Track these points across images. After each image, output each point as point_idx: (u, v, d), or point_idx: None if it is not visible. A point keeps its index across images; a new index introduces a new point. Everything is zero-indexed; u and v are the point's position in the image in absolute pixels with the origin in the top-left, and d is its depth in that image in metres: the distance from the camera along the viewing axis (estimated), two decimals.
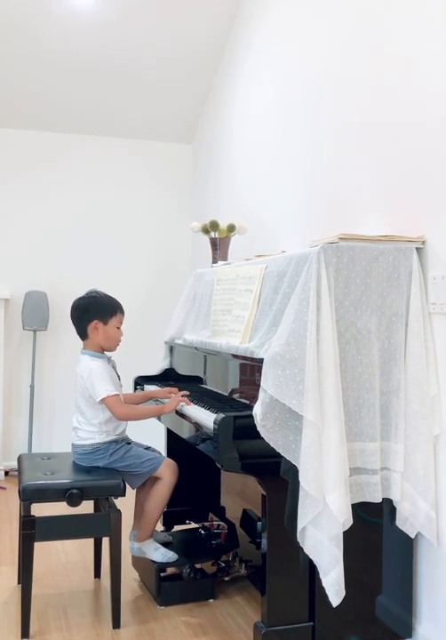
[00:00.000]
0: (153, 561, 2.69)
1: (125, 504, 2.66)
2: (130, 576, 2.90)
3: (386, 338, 2.21)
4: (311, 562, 2.09)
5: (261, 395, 2.05)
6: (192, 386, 2.94)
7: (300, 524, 2.04)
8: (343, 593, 2.04)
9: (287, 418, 2.04)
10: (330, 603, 2.05)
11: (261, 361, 2.10)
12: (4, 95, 4.44)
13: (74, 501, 2.48)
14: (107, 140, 4.89)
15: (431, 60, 2.26)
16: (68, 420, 2.83)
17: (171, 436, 3.13)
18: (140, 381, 3.26)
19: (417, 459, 2.17)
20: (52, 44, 4.14)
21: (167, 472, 2.68)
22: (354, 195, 2.75)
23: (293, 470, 2.05)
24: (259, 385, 2.06)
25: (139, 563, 2.87)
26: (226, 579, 2.76)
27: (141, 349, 4.30)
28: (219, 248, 3.57)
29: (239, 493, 2.96)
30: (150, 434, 3.31)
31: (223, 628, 2.49)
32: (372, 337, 2.17)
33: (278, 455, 2.04)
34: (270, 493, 2.14)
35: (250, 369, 2.31)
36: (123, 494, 2.56)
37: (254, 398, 2.12)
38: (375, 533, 2.27)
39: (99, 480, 2.56)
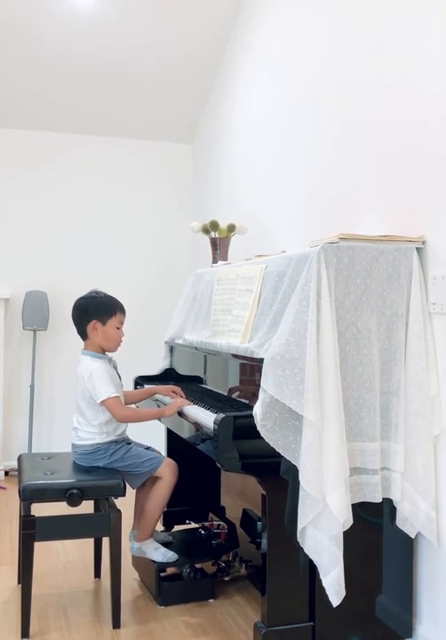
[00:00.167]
0: (153, 561, 2.69)
1: (125, 504, 2.66)
2: (130, 576, 2.89)
3: (387, 338, 2.21)
4: (311, 562, 2.08)
5: (261, 395, 2.05)
6: (192, 386, 2.94)
7: (300, 524, 2.04)
8: (343, 593, 2.04)
9: (287, 418, 2.04)
10: (330, 603, 2.05)
11: (261, 361, 2.10)
12: (4, 95, 4.44)
13: (74, 501, 2.48)
14: (107, 139, 4.89)
15: (431, 60, 2.26)
16: (68, 420, 2.83)
17: (171, 436, 3.13)
18: (140, 381, 3.26)
19: (417, 459, 2.17)
20: (52, 44, 4.14)
21: (167, 472, 2.68)
22: (354, 195, 2.75)
23: (293, 470, 2.05)
24: (259, 385, 2.06)
25: (139, 563, 2.87)
26: (227, 579, 2.76)
27: (141, 349, 4.30)
28: (219, 248, 3.57)
29: (239, 493, 2.96)
30: (150, 434, 3.31)
31: (223, 628, 2.49)
32: (372, 337, 2.17)
33: (278, 455, 2.04)
34: (270, 493, 2.14)
35: (251, 369, 2.31)
36: (123, 494, 2.55)
37: (254, 398, 2.12)
38: (375, 533, 2.27)
39: (99, 480, 2.56)
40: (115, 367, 2.77)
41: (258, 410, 2.03)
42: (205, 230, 3.60)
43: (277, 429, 2.03)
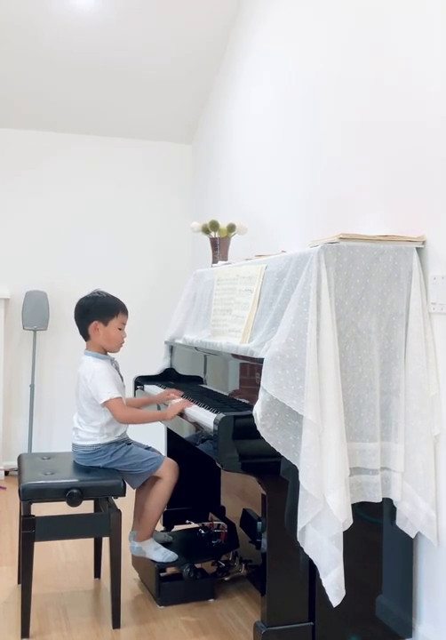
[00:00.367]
0: (153, 561, 2.69)
1: (125, 504, 2.65)
2: (130, 576, 2.89)
3: (387, 338, 2.21)
4: (311, 562, 2.08)
5: (261, 394, 2.05)
6: (192, 386, 2.94)
7: (300, 524, 2.04)
8: (343, 593, 2.04)
9: (287, 418, 2.04)
10: (330, 603, 2.05)
11: (261, 361, 2.10)
12: (4, 95, 4.44)
13: (74, 501, 2.48)
14: (107, 139, 4.89)
15: (431, 60, 2.26)
16: (68, 420, 2.83)
17: (172, 436, 3.13)
18: (141, 381, 3.26)
19: (417, 459, 2.17)
20: (52, 44, 4.14)
21: (168, 472, 2.68)
22: (354, 195, 2.75)
23: (293, 470, 2.05)
24: (259, 385, 2.06)
25: (139, 562, 2.87)
26: (227, 579, 2.76)
27: (141, 349, 4.29)
28: (219, 248, 3.57)
29: (239, 493, 2.96)
30: (150, 434, 3.31)
31: (223, 628, 2.49)
32: (372, 337, 2.17)
33: (278, 455, 2.04)
34: (270, 493, 2.14)
35: (251, 369, 2.31)
36: (123, 494, 2.55)
37: (254, 398, 2.12)
38: (375, 533, 2.27)
39: (99, 480, 2.56)
40: (117, 368, 2.77)
41: (258, 410, 2.03)
42: (205, 230, 3.60)
43: (277, 429, 2.03)
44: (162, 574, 2.67)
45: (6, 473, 4.55)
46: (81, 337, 2.77)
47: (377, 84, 2.59)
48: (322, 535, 2.03)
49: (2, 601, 2.71)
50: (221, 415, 2.09)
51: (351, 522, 2.06)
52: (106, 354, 2.74)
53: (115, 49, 4.24)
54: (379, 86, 2.57)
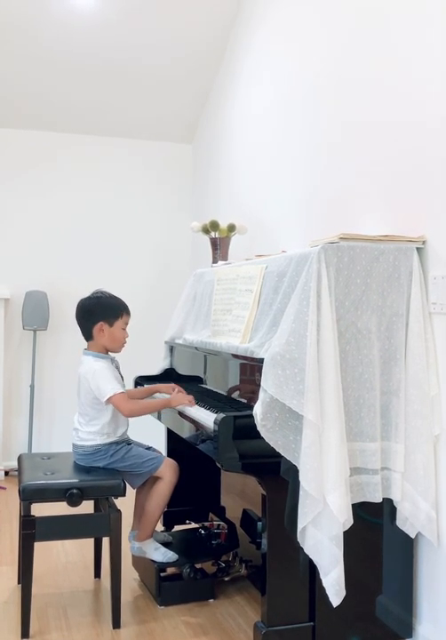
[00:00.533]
0: (153, 561, 2.69)
1: (125, 504, 2.65)
2: (130, 576, 2.89)
3: (387, 338, 2.21)
4: (311, 562, 2.08)
5: (261, 394, 2.05)
6: (192, 386, 2.94)
7: (300, 524, 2.04)
8: (343, 593, 2.04)
9: (287, 418, 2.04)
10: (330, 603, 2.05)
11: (261, 361, 2.10)
12: (4, 95, 4.44)
13: (74, 501, 2.48)
14: (107, 139, 4.89)
15: (431, 60, 2.26)
16: (68, 420, 2.83)
17: (172, 436, 3.13)
18: (141, 381, 3.26)
19: (417, 459, 2.17)
20: (52, 44, 4.14)
21: (168, 472, 2.68)
22: (354, 195, 2.75)
23: (293, 470, 2.05)
24: (259, 385, 2.06)
25: (139, 563, 2.87)
26: (227, 579, 2.76)
27: (142, 349, 4.28)
28: (219, 248, 3.57)
29: (239, 493, 2.96)
30: (150, 434, 3.31)
31: (223, 628, 2.49)
32: (373, 337, 2.17)
33: (278, 455, 2.04)
34: (270, 493, 2.14)
35: (251, 369, 2.31)
36: (123, 494, 2.55)
37: (254, 398, 2.12)
38: (375, 533, 2.27)
39: (99, 480, 2.56)
40: (118, 367, 2.77)
41: (258, 410, 2.03)
42: (205, 230, 3.60)
43: (277, 429, 2.03)
44: (162, 574, 2.67)
45: (6, 473, 4.55)
46: (81, 337, 2.76)
47: (377, 84, 2.59)
48: (322, 535, 2.03)
49: (2, 601, 2.71)
50: (221, 415, 2.09)
51: (351, 522, 2.06)
52: (106, 353, 2.73)
53: (115, 49, 4.24)
54: (379, 86, 2.57)
